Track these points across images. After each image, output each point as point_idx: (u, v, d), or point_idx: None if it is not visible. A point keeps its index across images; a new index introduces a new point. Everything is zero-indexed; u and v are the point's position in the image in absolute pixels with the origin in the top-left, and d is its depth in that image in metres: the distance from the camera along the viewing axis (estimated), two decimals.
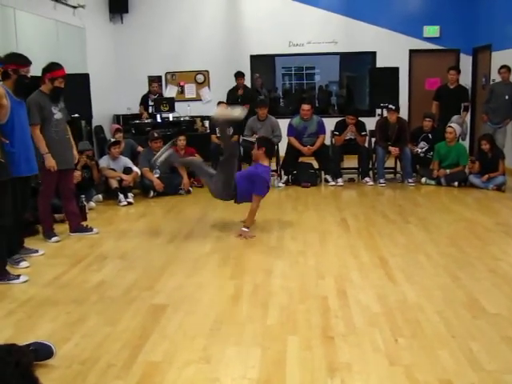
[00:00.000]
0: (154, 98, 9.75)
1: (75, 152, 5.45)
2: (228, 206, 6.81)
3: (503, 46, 9.05)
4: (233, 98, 9.50)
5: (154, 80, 10.52)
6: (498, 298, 3.61)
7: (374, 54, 11.01)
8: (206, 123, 9.92)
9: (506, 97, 8.34)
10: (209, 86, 11.24)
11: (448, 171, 7.75)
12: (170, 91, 11.12)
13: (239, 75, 9.82)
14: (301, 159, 8.36)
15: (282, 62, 14.01)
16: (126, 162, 7.48)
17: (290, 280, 4.03)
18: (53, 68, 5.04)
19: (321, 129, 8.22)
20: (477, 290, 3.73)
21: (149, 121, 9.52)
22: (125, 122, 10.13)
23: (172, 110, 9.57)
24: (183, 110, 10.19)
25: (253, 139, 7.93)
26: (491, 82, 9.25)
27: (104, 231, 5.67)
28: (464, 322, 3.23)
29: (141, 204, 7.12)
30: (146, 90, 10.37)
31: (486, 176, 7.44)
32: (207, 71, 11.20)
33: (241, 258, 4.61)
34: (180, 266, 4.45)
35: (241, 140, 8.29)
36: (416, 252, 4.67)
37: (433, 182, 7.87)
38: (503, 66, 8.37)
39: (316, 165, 8.37)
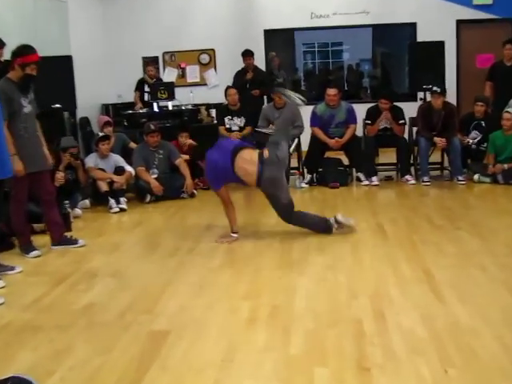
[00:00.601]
0: (151, 84, 9.80)
1: (46, 151, 5.42)
2: (240, 212, 6.83)
3: None
4: (240, 83, 9.52)
5: (150, 62, 10.56)
6: None
7: (414, 25, 11.01)
8: (213, 112, 9.96)
9: None
10: (215, 68, 11.29)
11: (506, 166, 7.72)
12: (168, 75, 11.19)
13: (247, 54, 9.86)
14: (327, 154, 8.37)
15: (302, 37, 13.99)
16: (118, 160, 7.52)
17: (316, 300, 4.01)
18: (24, 52, 5.00)
19: (351, 117, 8.22)
20: None
21: (144, 111, 9.56)
22: (115, 112, 10.20)
23: (171, 97, 9.62)
24: (185, 98, 10.23)
25: (268, 131, 7.94)
26: None
27: (92, 243, 5.69)
28: None
29: (136, 210, 7.15)
30: (140, 74, 10.43)
31: None
32: (213, 50, 11.26)
33: (257, 275, 4.60)
34: (184, 284, 4.45)
35: (254, 133, 8.30)
36: (469, 264, 4.63)
37: (488, 180, 7.83)
38: None
39: (346, 161, 8.36)
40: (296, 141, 8.21)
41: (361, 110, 8.58)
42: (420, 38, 10.74)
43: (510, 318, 3.58)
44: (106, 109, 10.66)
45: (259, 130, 8.12)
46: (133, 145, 8.15)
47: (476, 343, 3.27)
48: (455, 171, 8.06)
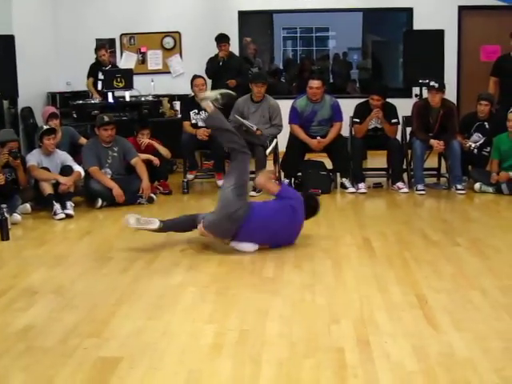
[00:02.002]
0: (105, 70, 9.76)
1: None
2: None
3: None
4: (213, 71, 9.53)
5: (103, 45, 10.47)
6: None
7: (410, 11, 11.11)
8: (177, 105, 9.94)
9: None
10: (180, 54, 11.29)
11: (511, 174, 7.81)
12: (126, 61, 11.16)
13: (222, 40, 9.86)
14: (308, 156, 8.40)
15: (283, 21, 14.07)
16: (65, 158, 7.48)
17: (291, 325, 4.02)
18: None
19: (336, 114, 8.27)
20: None
21: (96, 101, 9.52)
22: (63, 102, 10.15)
23: (129, 86, 9.59)
24: (145, 87, 10.21)
25: (248, 123, 7.93)
26: None
27: (33, 255, 5.65)
28: None
29: (85, 217, 7.11)
30: (93, 58, 10.38)
31: None
32: (178, 33, 11.26)
33: (224, 294, 4.60)
34: (138, 304, 4.43)
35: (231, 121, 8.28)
36: (467, 286, 4.67)
37: (491, 190, 7.93)
38: None
39: (329, 164, 8.40)
40: (275, 141, 8.25)
41: (348, 105, 8.64)
42: (417, 25, 10.85)
43: (511, 349, 3.62)
44: (52, 98, 10.59)
45: (240, 118, 8.07)
46: (83, 140, 8.11)
47: (473, 377, 3.30)
48: (454, 179, 8.14)
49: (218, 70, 9.70)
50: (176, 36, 11.27)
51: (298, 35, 16.31)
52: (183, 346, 3.73)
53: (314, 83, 8.21)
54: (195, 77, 8.71)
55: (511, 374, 3.32)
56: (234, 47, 10.79)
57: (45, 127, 7.52)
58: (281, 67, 13.88)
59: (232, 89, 9.44)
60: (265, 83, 8.36)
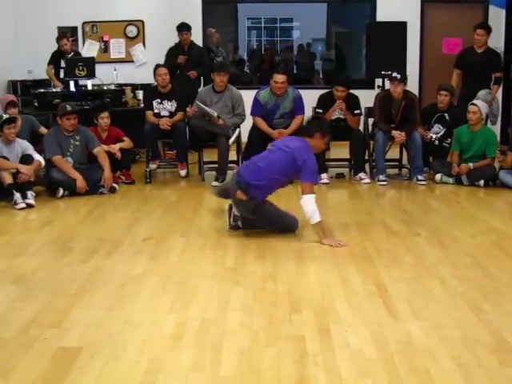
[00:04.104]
0: (67, 58, 9.67)
1: None
2: (168, 209, 6.85)
3: None
4: (172, 61, 9.47)
5: (65, 34, 10.35)
6: None
7: (373, 3, 11.15)
8: (140, 94, 9.89)
9: None
10: (144, 43, 11.22)
11: (471, 165, 7.91)
12: (88, 49, 11.06)
13: (183, 29, 9.82)
14: (270, 146, 8.39)
15: (247, 10, 14.06)
16: (25, 147, 7.39)
17: (253, 314, 4.04)
18: None
19: (298, 107, 8.27)
20: (506, 328, 3.79)
21: (58, 90, 9.43)
22: (24, 90, 10.03)
23: (91, 75, 9.52)
24: (107, 76, 10.13)
25: (211, 110, 7.92)
26: None
27: None
28: (488, 370, 3.29)
29: (46, 207, 7.05)
30: (55, 46, 10.27)
31: None
32: (142, 22, 11.19)
33: (185, 284, 4.60)
34: (99, 294, 4.42)
35: (194, 109, 8.27)
36: (426, 276, 4.75)
37: (451, 180, 8.02)
38: None
39: None
40: (237, 131, 8.24)
41: (311, 96, 8.66)
42: (380, 17, 10.91)
43: (468, 336, 3.69)
44: (13, 86, 10.46)
45: (202, 105, 8.06)
46: (43, 129, 8.02)
47: (431, 364, 3.35)
48: (415, 170, 8.21)
49: (176, 60, 9.62)
50: (139, 25, 11.19)
51: (263, 25, 16.31)
52: (144, 336, 3.73)
53: (279, 78, 8.13)
54: (158, 66, 8.65)
55: (468, 361, 3.38)
56: (198, 37, 10.76)
57: (4, 116, 7.44)
58: (245, 57, 13.89)
59: (192, 80, 9.44)
60: (227, 72, 8.34)
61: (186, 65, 9.68)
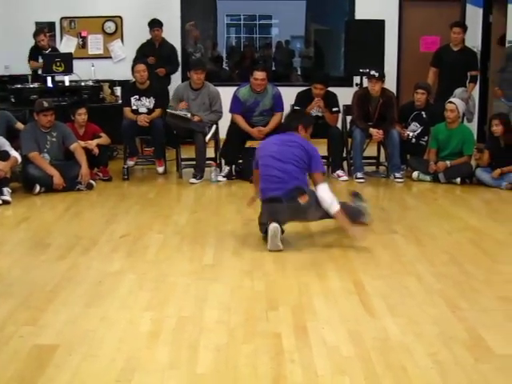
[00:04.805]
0: (44, 54, 9.60)
1: None
2: (146, 206, 6.83)
3: None
4: (142, 58, 9.41)
5: (42, 30, 10.26)
6: (509, 334, 3.73)
7: (352, 0, 11.17)
8: (118, 90, 9.84)
9: None
10: (122, 39, 11.17)
11: (449, 163, 7.96)
12: (66, 45, 10.99)
13: (155, 25, 9.84)
14: (249, 144, 8.41)
15: (226, 7, 14.02)
16: (1, 143, 7.33)
17: (230, 311, 4.04)
18: None
19: (277, 104, 8.28)
20: (482, 324, 3.83)
21: (35, 86, 9.36)
22: (1, 86, 9.93)
23: (69, 70, 9.45)
24: (85, 72, 10.07)
25: (182, 113, 7.93)
26: (507, 45, 9.52)
27: None
28: (464, 367, 3.31)
29: (22, 203, 7.00)
30: (32, 41, 10.19)
31: (498, 171, 7.67)
32: (120, 18, 11.13)
33: (162, 281, 4.59)
34: (76, 291, 4.40)
35: (167, 113, 8.23)
36: (403, 273, 4.77)
37: (428, 178, 8.07)
38: None
39: None
40: (214, 127, 8.24)
41: (290, 93, 8.65)
42: (359, 15, 10.93)
43: (445, 332, 3.72)
44: None
45: (173, 111, 8.07)
46: (19, 125, 7.95)
47: (406, 361, 3.37)
48: (392, 167, 8.24)
49: (145, 56, 9.58)
50: (117, 21, 11.13)
51: (242, 22, 16.28)
52: (121, 333, 3.72)
53: (259, 75, 8.14)
54: (136, 62, 8.62)
55: (444, 358, 3.41)
56: (176, 33, 10.75)
57: None
58: (224, 54, 13.85)
59: (161, 77, 9.40)
60: (204, 70, 8.32)
61: (156, 62, 9.66)
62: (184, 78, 9.35)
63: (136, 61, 8.65)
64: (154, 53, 9.77)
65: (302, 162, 5.43)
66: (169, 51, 10.05)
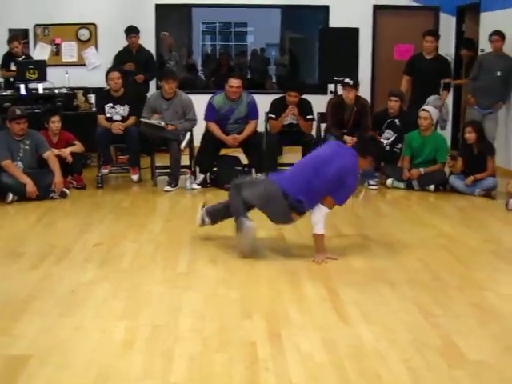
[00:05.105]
0: (18, 61, 9.54)
1: None
2: (120, 215, 6.81)
3: (496, 6, 9.43)
4: (118, 66, 9.40)
5: (16, 37, 10.21)
6: (482, 340, 3.77)
7: (326, 8, 11.22)
8: (92, 98, 9.81)
9: (499, 73, 8.72)
10: (96, 46, 11.13)
11: (422, 170, 8.02)
12: (40, 52, 10.93)
13: (131, 32, 9.81)
14: (223, 151, 8.41)
15: (202, 15, 14.03)
16: None
17: (204, 319, 4.05)
18: None
19: (252, 112, 8.29)
20: (455, 331, 3.87)
21: (8, 93, 9.30)
22: None
23: (43, 78, 9.40)
24: (59, 79, 10.01)
25: (156, 122, 7.93)
26: (479, 53, 9.62)
27: None
28: (437, 372, 3.35)
29: None
30: (6, 48, 10.13)
31: (471, 178, 7.74)
32: (94, 25, 11.09)
33: (136, 290, 4.58)
34: (49, 300, 4.38)
35: (141, 123, 8.22)
36: (377, 280, 4.80)
37: (402, 185, 8.12)
38: (495, 33, 8.72)
39: (245, 159, 8.44)
40: (188, 135, 8.23)
41: (265, 101, 8.67)
42: (333, 23, 10.98)
43: (418, 339, 3.75)
44: None
45: (147, 120, 8.07)
46: None
47: (380, 368, 3.40)
48: (366, 175, 8.23)
49: (122, 64, 9.56)
50: (92, 28, 11.09)
51: (217, 30, 16.29)
52: (94, 343, 3.71)
53: (234, 82, 8.15)
54: (110, 70, 8.59)
55: (418, 364, 3.44)
56: (151, 40, 10.72)
57: None
58: (199, 62, 13.86)
59: (140, 84, 9.39)
60: (175, 79, 8.33)
61: (134, 69, 9.65)
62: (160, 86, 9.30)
63: (110, 68, 8.62)
64: (131, 60, 9.76)
65: (330, 184, 5.21)
66: (146, 58, 10.03)
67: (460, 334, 3.82)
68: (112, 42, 10.44)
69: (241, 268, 5.05)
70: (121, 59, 9.71)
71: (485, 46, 9.30)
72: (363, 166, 5.48)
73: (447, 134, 9.95)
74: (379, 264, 5.18)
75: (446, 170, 8.21)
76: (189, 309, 4.22)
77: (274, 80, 13.85)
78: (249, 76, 13.43)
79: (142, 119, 8.18)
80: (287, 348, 3.62)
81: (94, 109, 9.31)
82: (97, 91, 9.65)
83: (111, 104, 8.39)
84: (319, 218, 5.23)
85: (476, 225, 6.57)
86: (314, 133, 8.67)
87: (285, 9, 12.15)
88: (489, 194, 7.64)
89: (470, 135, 7.79)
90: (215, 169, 8.27)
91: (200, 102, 8.38)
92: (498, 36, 8.66)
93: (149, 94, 9.32)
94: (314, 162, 5.38)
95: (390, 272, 4.97)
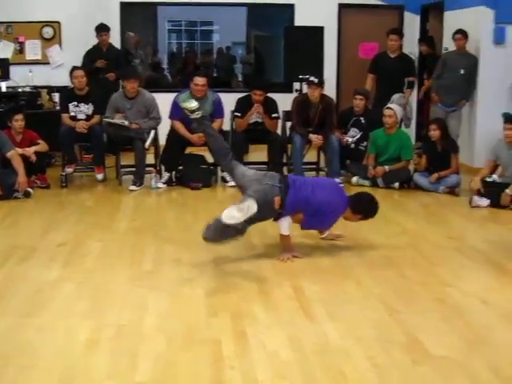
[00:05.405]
0: None
1: None
2: (84, 214, 6.76)
3: (459, 5, 9.52)
4: (90, 64, 9.33)
5: None
6: (446, 335, 3.81)
7: (291, 7, 11.24)
8: (56, 96, 9.72)
9: (462, 71, 8.81)
10: (60, 44, 11.02)
11: (387, 168, 8.08)
12: (3, 50, 10.80)
13: (102, 30, 9.71)
14: (189, 150, 8.39)
15: (167, 13, 13.97)
16: None
17: (169, 318, 4.04)
18: None
19: (217, 110, 8.27)
20: (419, 327, 3.90)
21: None
22: None
23: (5, 76, 9.32)
24: (23, 78, 9.93)
25: (120, 121, 7.88)
26: (443, 51, 9.72)
27: None
28: (402, 369, 3.37)
29: None
30: None
31: (435, 175, 7.81)
32: (58, 23, 10.97)
33: (101, 289, 4.56)
34: (12, 301, 4.33)
35: (104, 123, 8.16)
36: (342, 278, 4.83)
37: (367, 183, 8.17)
38: (458, 31, 8.82)
39: (210, 158, 8.41)
40: (153, 133, 8.19)
41: (231, 99, 8.66)
42: (298, 21, 11.00)
43: (383, 336, 3.77)
44: None
45: (110, 120, 8.02)
46: None
47: (346, 365, 3.41)
48: (332, 172, 8.29)
49: (93, 62, 9.49)
50: (56, 26, 10.97)
51: (183, 28, 16.24)
52: (58, 343, 3.68)
53: (200, 80, 8.13)
54: (74, 68, 8.51)
55: (383, 361, 3.46)
56: (116, 39, 10.65)
57: None
58: (165, 60, 13.81)
59: (111, 82, 9.33)
60: (137, 79, 8.28)
61: (105, 67, 9.58)
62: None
63: (74, 66, 8.54)
64: (101, 58, 9.67)
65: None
66: (117, 55, 9.96)
67: (424, 330, 3.86)
68: (76, 40, 10.35)
69: (206, 267, 5.04)
70: (91, 57, 9.63)
71: (448, 44, 9.40)
72: (348, 218, 5.48)
73: (412, 131, 10.04)
74: (345, 262, 5.21)
75: (411, 167, 8.28)
76: (154, 308, 4.21)
77: (239, 78, 13.85)
78: (215, 74, 13.42)
79: (105, 119, 8.12)
80: (253, 346, 3.63)
81: (58, 107, 9.23)
82: (61, 90, 9.57)
83: (75, 102, 8.31)
84: (286, 224, 5.25)
85: (440, 221, 6.64)
86: (279, 131, 8.67)
87: (250, 7, 12.16)
88: (452, 191, 7.72)
89: (435, 132, 7.86)
90: (181, 167, 8.25)
91: (166, 101, 8.34)
92: (461, 35, 8.76)
93: None
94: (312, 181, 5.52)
95: (356, 269, 5.00)
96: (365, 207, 5.51)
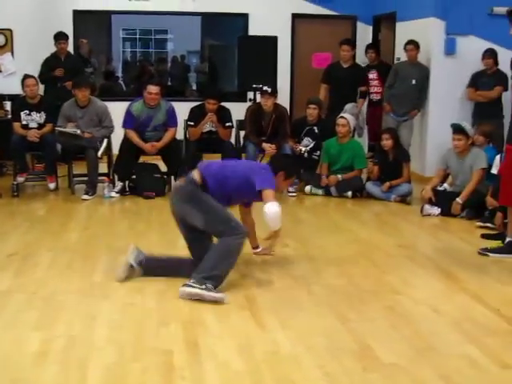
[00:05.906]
0: None
1: None
2: (35, 224, 6.68)
3: (411, 15, 9.67)
4: (48, 73, 9.25)
5: None
6: (395, 343, 3.85)
7: (245, 16, 11.27)
8: (7, 105, 9.59)
9: (413, 81, 8.94)
10: (12, 52, 10.88)
11: (340, 177, 8.14)
12: None
13: (60, 38, 9.62)
14: (142, 159, 8.34)
15: (122, 21, 13.92)
16: None
17: (120, 329, 4.01)
18: None
19: (171, 119, 8.24)
20: (369, 334, 3.94)
21: None
22: None
23: None
24: None
25: (72, 130, 7.82)
26: (395, 61, 9.85)
27: None
28: (352, 376, 3.40)
29: None
30: None
31: (387, 184, 7.90)
32: (10, 30, 10.83)
33: (51, 300, 4.51)
34: None
35: (56, 132, 8.08)
36: (294, 286, 4.84)
37: (320, 192, 8.22)
38: (410, 42, 8.96)
39: (163, 167, 8.39)
40: (105, 142, 8.14)
41: (184, 108, 8.65)
42: (252, 31, 11.03)
43: (333, 345, 3.79)
44: None
45: (61, 129, 7.94)
46: None
47: (296, 374, 3.43)
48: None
49: (51, 71, 9.40)
50: (7, 34, 10.82)
51: (138, 37, 16.21)
52: (6, 355, 3.63)
53: (153, 89, 8.07)
54: (26, 76, 8.41)
55: (333, 369, 3.47)
56: (69, 47, 10.57)
57: None
58: (120, 69, 13.75)
59: (69, 90, 9.23)
60: (88, 87, 8.22)
61: (63, 76, 9.48)
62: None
63: (26, 75, 8.43)
64: (59, 66, 9.56)
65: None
66: (74, 64, 9.86)
67: (374, 337, 3.89)
68: (29, 48, 10.23)
69: (158, 276, 5.01)
70: (49, 65, 9.52)
71: (400, 54, 9.53)
72: (278, 185, 5.17)
73: (364, 140, 10.13)
74: (296, 270, 5.23)
75: (364, 176, 8.35)
76: (105, 318, 4.18)
77: (193, 87, 13.86)
78: (169, 83, 13.41)
79: (56, 128, 8.03)
80: (204, 356, 3.62)
81: (9, 116, 9.11)
82: (12, 98, 9.45)
83: (27, 111, 8.22)
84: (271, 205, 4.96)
85: (391, 230, 6.70)
86: (233, 140, 8.68)
87: (205, 16, 12.18)
88: (404, 199, 7.81)
89: (387, 142, 7.94)
90: (134, 176, 8.19)
91: (119, 110, 8.28)
92: (412, 45, 8.90)
93: None
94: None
95: (307, 278, 5.02)
96: (283, 162, 5.38)
